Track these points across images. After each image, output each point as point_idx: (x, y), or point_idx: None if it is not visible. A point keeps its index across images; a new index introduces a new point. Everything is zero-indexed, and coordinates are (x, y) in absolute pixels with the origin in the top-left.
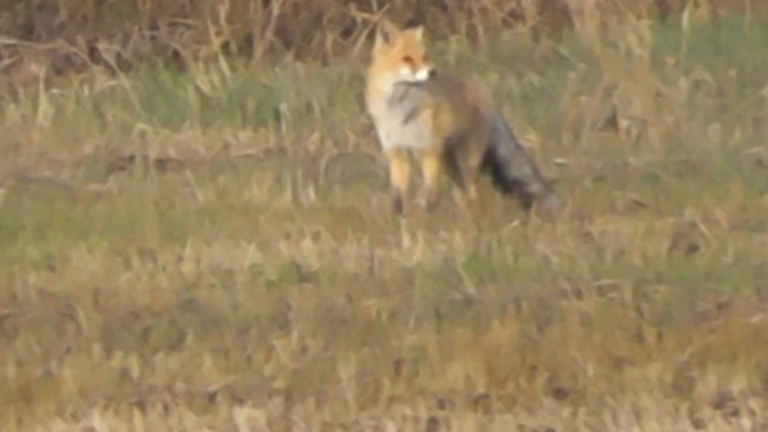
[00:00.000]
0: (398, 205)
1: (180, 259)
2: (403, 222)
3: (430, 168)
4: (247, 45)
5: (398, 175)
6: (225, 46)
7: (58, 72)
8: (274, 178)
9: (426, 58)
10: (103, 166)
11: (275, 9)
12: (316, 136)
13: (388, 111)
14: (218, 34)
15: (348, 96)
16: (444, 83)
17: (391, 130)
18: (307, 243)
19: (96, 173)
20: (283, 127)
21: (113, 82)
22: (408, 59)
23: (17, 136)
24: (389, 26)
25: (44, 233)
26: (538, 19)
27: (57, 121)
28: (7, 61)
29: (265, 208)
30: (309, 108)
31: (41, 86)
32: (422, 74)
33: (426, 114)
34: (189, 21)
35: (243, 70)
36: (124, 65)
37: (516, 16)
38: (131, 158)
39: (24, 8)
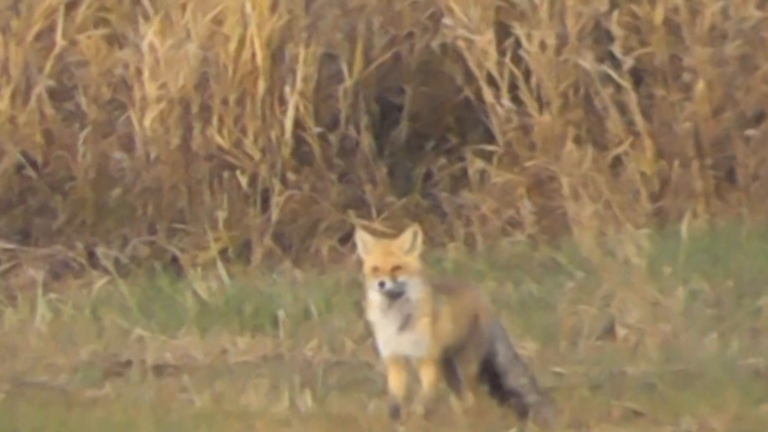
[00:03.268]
0: (395, 413)
1: None
2: (400, 429)
3: (427, 376)
4: (245, 251)
5: (396, 382)
6: (223, 252)
7: (56, 276)
8: (271, 384)
9: (395, 269)
10: (100, 371)
11: (273, 215)
12: (313, 342)
13: (383, 318)
14: (216, 239)
15: (345, 303)
16: (444, 291)
17: (388, 338)
18: None
19: (93, 378)
20: (281, 333)
21: (111, 287)
22: (376, 269)
23: (14, 340)
24: (365, 235)
25: None
26: (536, 228)
27: (54, 326)
28: (5, 266)
29: (262, 414)
30: (306, 314)
31: (39, 291)
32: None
33: (423, 323)
34: (187, 227)
35: (241, 275)
36: (123, 270)
37: (514, 224)
38: (128, 363)
39: (22, 213)
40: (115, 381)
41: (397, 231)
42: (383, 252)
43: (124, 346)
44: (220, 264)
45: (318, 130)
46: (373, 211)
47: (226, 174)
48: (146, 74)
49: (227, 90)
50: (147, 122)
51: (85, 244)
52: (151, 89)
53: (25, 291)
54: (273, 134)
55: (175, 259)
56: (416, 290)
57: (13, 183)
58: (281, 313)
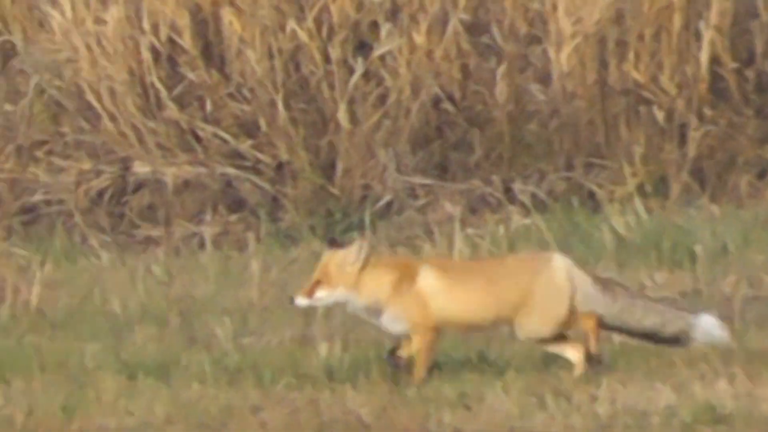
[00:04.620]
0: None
1: (594, 399)
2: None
3: (414, 344)
4: (662, 186)
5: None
6: (640, 187)
7: (473, 211)
8: None
9: (316, 284)
10: None
11: (690, 150)
12: (731, 278)
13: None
14: (633, 175)
15: (763, 238)
16: (457, 269)
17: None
18: (721, 385)
19: None
20: (698, 268)
21: (528, 222)
22: None
23: None
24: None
25: (459, 372)
26: None
27: None
28: (422, 201)
29: (681, 350)
30: (724, 249)
31: (456, 225)
32: None
33: (392, 310)
34: (604, 161)
35: (658, 210)
36: (539, 205)
37: None
38: None
39: (439, 148)
40: None
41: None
42: (320, 264)
43: None
44: (637, 199)
45: (734, 65)
46: None
47: (642, 109)
48: (562, 9)
49: (643, 25)
50: (563, 57)
51: (502, 179)
52: (566, 24)
53: (443, 226)
54: (689, 69)
55: (592, 194)
56: (355, 299)
57: (430, 117)
58: (698, 249)
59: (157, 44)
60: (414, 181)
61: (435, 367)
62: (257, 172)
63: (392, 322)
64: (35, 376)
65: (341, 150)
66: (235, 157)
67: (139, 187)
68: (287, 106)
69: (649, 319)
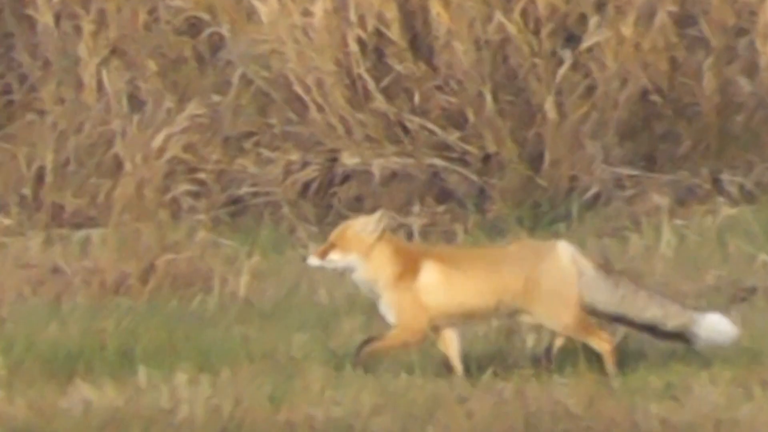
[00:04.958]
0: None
1: None
2: None
3: (393, 333)
4: None
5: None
6: None
7: (681, 203)
8: None
9: (330, 247)
10: (725, 297)
11: None
12: None
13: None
14: None
15: None
16: (458, 259)
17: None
18: None
19: (717, 304)
20: None
21: (736, 213)
22: None
23: (640, 266)
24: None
25: (666, 363)
26: None
27: (679, 252)
28: (630, 192)
29: None
30: None
31: (664, 217)
32: None
33: (386, 296)
34: None
35: None
36: (747, 196)
37: None
38: (753, 289)
39: (647, 139)
40: (740, 307)
41: None
42: (339, 229)
43: (749, 272)
44: None
45: None
46: None
47: None
48: None
49: None
50: None
51: (710, 171)
52: None
53: (650, 217)
54: None
55: None
56: (362, 268)
57: (638, 109)
58: None
59: (363, 36)
60: (621, 172)
61: (641, 358)
62: (464, 163)
63: (386, 312)
64: (243, 366)
65: (548, 141)
66: (443, 148)
67: (346, 178)
68: (495, 98)
69: (650, 310)
